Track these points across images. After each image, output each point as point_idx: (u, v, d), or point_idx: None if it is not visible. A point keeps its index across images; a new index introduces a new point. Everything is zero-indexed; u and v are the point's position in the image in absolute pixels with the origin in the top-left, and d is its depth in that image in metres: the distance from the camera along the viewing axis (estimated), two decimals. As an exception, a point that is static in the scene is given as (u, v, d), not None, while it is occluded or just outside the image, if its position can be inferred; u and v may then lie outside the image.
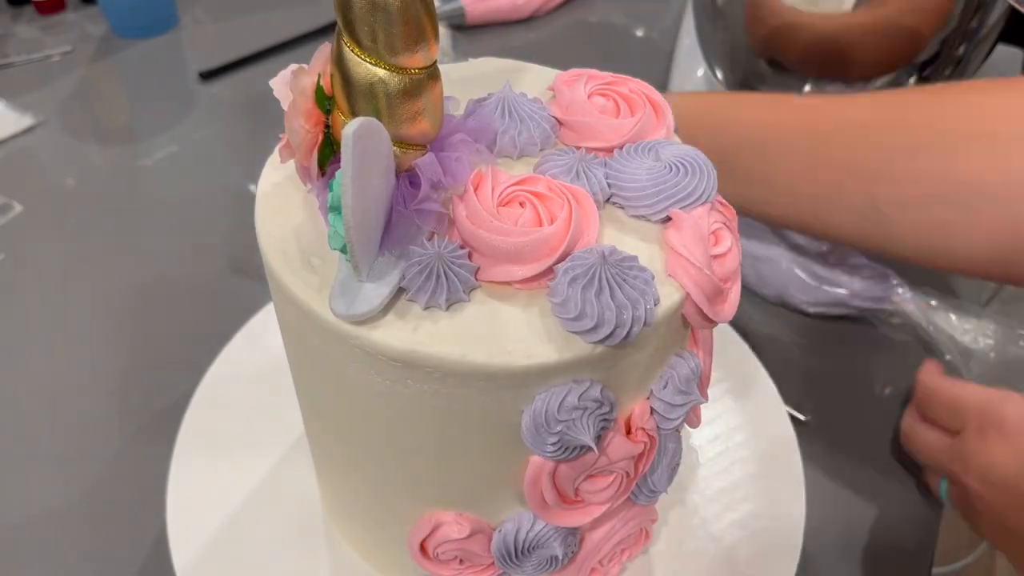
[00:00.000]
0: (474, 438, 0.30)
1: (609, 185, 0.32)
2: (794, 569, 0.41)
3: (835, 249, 0.57)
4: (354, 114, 0.28)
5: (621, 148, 0.33)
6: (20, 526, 0.45)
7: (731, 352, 0.51)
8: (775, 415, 0.49)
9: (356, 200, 0.25)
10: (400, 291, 0.29)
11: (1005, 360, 0.53)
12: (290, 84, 0.29)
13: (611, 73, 0.36)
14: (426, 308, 0.28)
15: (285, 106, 0.29)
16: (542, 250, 0.28)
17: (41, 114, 0.74)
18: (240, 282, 0.59)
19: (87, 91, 0.78)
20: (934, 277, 0.58)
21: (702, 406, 0.36)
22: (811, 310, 0.56)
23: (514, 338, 0.28)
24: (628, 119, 0.33)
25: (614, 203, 0.32)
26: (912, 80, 0.54)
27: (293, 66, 0.29)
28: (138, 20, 0.84)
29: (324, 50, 0.29)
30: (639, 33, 0.88)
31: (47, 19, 0.87)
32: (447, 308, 0.28)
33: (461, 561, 0.36)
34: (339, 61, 0.27)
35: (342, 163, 0.25)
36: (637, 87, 0.35)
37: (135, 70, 0.81)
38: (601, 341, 0.27)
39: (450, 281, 0.28)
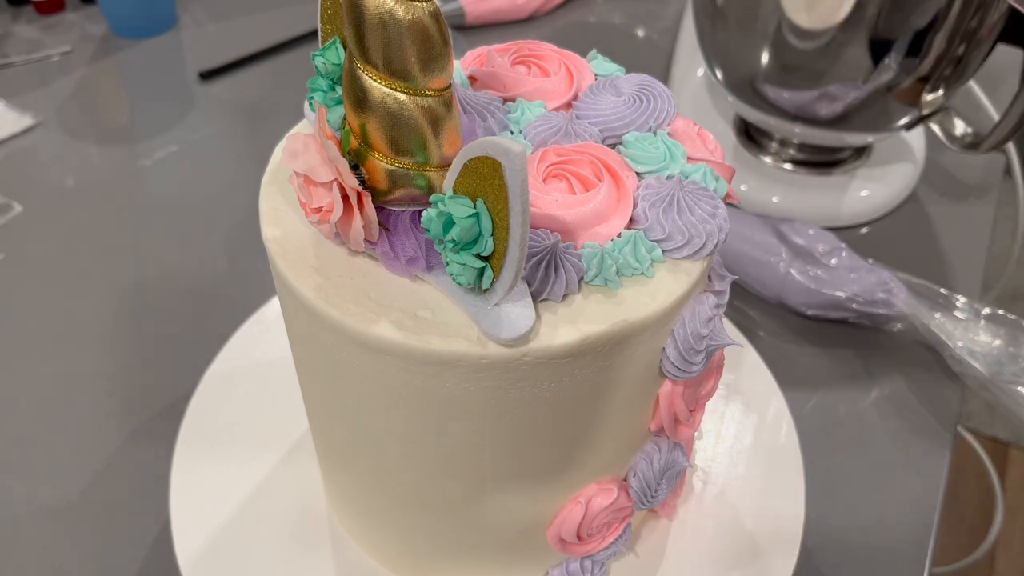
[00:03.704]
0: (623, 395, 0.32)
1: (600, 131, 0.34)
2: (792, 568, 0.41)
3: (834, 251, 0.57)
4: (398, 150, 0.27)
5: (576, 99, 0.35)
6: (20, 525, 0.46)
7: (733, 352, 0.51)
8: (776, 415, 0.49)
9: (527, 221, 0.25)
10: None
11: (1005, 360, 0.53)
12: (311, 152, 0.28)
13: (509, 43, 0.37)
14: (542, 301, 0.29)
15: (315, 177, 0.28)
16: (611, 205, 0.30)
17: (41, 114, 0.74)
18: (240, 281, 0.59)
19: (87, 91, 0.78)
20: (933, 278, 0.59)
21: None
22: (809, 312, 0.56)
23: (637, 289, 0.30)
24: (560, 75, 0.35)
25: (610, 144, 0.34)
26: (910, 79, 0.54)
27: (292, 136, 0.29)
28: (138, 20, 0.84)
29: (321, 109, 0.29)
30: (639, 33, 0.88)
31: (47, 19, 0.87)
32: (562, 300, 0.29)
33: (609, 524, 0.37)
34: (381, 103, 0.27)
35: (513, 183, 0.24)
36: (537, 46, 0.37)
37: (135, 70, 0.81)
38: (709, 254, 0.31)
39: (566, 266, 0.29)
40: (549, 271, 0.28)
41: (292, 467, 0.45)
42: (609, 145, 0.33)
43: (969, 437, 0.90)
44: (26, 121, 0.73)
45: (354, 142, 0.28)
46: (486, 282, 0.27)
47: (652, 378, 0.32)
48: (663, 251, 0.30)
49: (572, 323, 0.28)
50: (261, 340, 0.51)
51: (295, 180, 0.30)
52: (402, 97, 0.27)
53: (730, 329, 0.52)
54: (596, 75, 0.37)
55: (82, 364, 0.54)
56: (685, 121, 0.35)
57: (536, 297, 0.28)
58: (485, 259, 0.27)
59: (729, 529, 0.44)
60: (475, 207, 0.26)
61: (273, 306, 0.53)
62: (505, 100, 0.35)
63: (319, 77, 0.30)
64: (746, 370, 0.51)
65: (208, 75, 0.79)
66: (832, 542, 0.46)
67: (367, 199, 0.28)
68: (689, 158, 0.33)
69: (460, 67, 0.37)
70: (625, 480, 0.37)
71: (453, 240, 0.26)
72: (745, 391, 0.50)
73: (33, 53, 0.82)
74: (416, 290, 0.30)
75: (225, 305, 0.56)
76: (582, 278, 0.29)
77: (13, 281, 0.60)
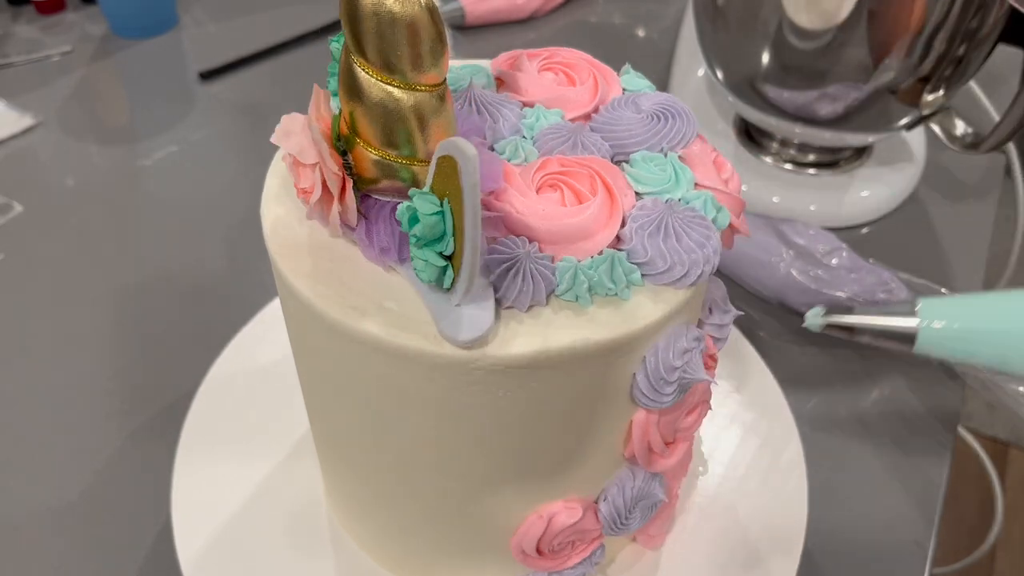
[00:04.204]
0: (585, 418, 0.31)
1: (611, 147, 0.33)
2: (795, 569, 0.41)
3: (834, 251, 0.57)
4: (384, 142, 0.28)
5: (596, 111, 0.35)
6: (20, 526, 0.45)
7: (733, 352, 0.51)
8: (776, 415, 0.49)
9: (478, 223, 0.25)
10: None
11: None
12: (303, 134, 0.29)
13: (542, 49, 0.37)
14: (508, 308, 0.29)
15: (302, 158, 0.29)
16: (600, 220, 0.30)
17: (41, 114, 0.74)
18: (240, 281, 0.59)
19: (87, 91, 0.78)
20: (934, 278, 0.58)
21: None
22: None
23: (612, 309, 0.29)
24: (586, 85, 0.35)
25: (617, 160, 0.33)
26: (911, 80, 0.54)
27: (289, 116, 0.29)
28: (138, 20, 0.84)
29: (319, 92, 0.29)
30: (639, 33, 0.88)
31: (47, 19, 0.87)
32: (528, 308, 0.29)
33: (573, 544, 0.37)
34: (372, 95, 0.27)
35: (466, 185, 0.24)
36: (570, 55, 0.36)
37: (135, 70, 0.81)
38: (692, 284, 0.30)
39: (537, 276, 0.28)
40: (516, 279, 0.28)
41: (294, 467, 0.45)
42: (617, 162, 0.33)
43: (969, 437, 0.90)
44: (26, 121, 0.73)
45: (343, 127, 0.28)
46: (447, 281, 0.27)
47: (623, 403, 0.32)
48: (643, 275, 0.30)
49: (532, 334, 0.28)
50: (264, 340, 0.51)
51: (287, 159, 0.30)
52: (392, 90, 0.27)
53: (732, 329, 0.52)
54: (624, 90, 0.36)
55: (82, 364, 0.54)
56: (704, 146, 0.34)
57: (501, 303, 0.28)
58: (448, 258, 0.27)
59: (729, 530, 0.44)
60: (441, 205, 0.26)
61: (275, 306, 0.53)
62: (524, 104, 0.34)
63: (336, 62, 0.30)
64: (746, 370, 0.51)
65: (208, 75, 0.79)
66: (832, 542, 0.46)
67: (348, 185, 0.28)
68: (697, 184, 0.32)
69: (489, 67, 0.37)
70: (596, 503, 0.36)
71: (416, 236, 0.26)
72: (745, 391, 0.50)
73: (33, 53, 0.82)
74: (390, 282, 0.30)
75: (225, 305, 0.56)
76: (553, 291, 0.29)
77: (13, 281, 0.60)
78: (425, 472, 0.34)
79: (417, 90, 0.27)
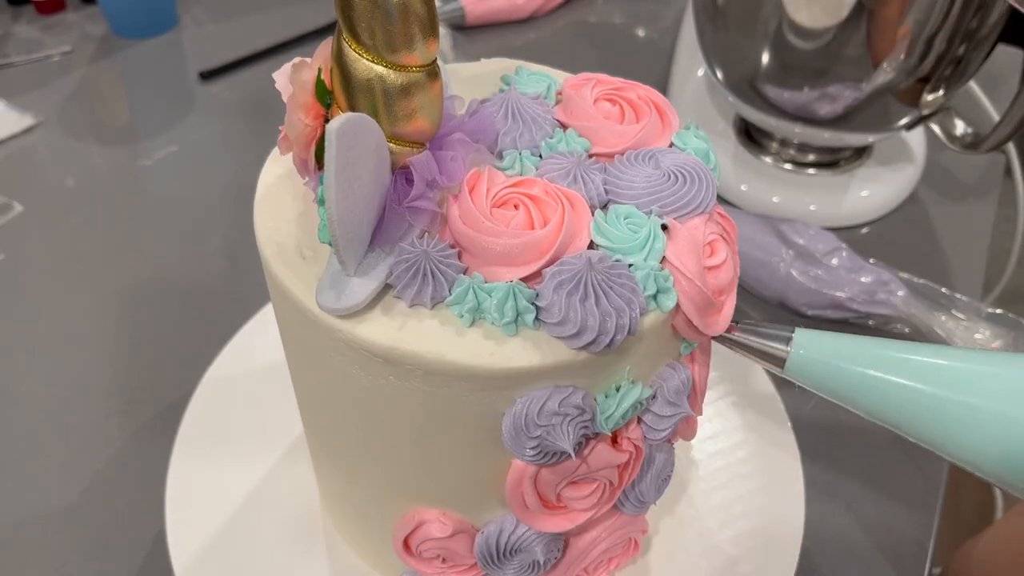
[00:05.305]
0: (456, 438, 0.30)
1: (607, 191, 0.31)
2: (794, 569, 0.41)
3: (834, 251, 0.57)
4: (352, 110, 0.28)
5: (623, 154, 0.33)
6: (20, 526, 0.46)
7: (733, 353, 0.51)
8: (776, 415, 0.49)
9: (340, 195, 0.25)
10: (388, 287, 0.29)
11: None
12: (290, 77, 0.29)
13: (621, 79, 0.36)
14: (411, 306, 0.28)
15: (286, 98, 0.29)
16: (531, 253, 0.28)
17: (41, 114, 0.74)
18: (240, 282, 0.59)
19: (87, 91, 0.78)
20: (934, 278, 0.58)
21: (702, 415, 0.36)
22: (810, 313, 0.56)
23: (497, 340, 0.28)
24: (632, 125, 0.33)
25: (604, 205, 0.32)
26: (911, 80, 0.54)
27: (296, 59, 0.29)
28: (138, 20, 0.84)
29: (326, 45, 0.29)
30: (639, 33, 0.88)
31: (47, 19, 0.87)
32: (432, 307, 0.28)
33: (444, 560, 0.36)
34: (339, 57, 0.27)
35: (326, 158, 0.25)
36: (645, 93, 0.35)
37: (135, 70, 0.81)
38: (584, 347, 0.27)
39: (436, 280, 0.28)
40: (408, 273, 0.28)
41: (289, 469, 0.45)
42: (602, 206, 0.31)
43: (969, 437, 0.90)
44: (26, 121, 0.73)
45: (327, 83, 0.29)
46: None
47: (494, 440, 0.30)
48: (547, 323, 0.28)
49: (402, 329, 0.28)
50: (261, 342, 0.51)
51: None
52: (356, 57, 0.27)
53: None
54: (672, 144, 0.34)
55: (82, 364, 0.54)
56: (710, 224, 0.31)
57: (407, 300, 0.28)
58: None
59: (729, 530, 0.44)
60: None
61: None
62: (562, 126, 0.34)
63: None
64: (745, 370, 0.51)
65: (208, 75, 0.79)
66: (832, 542, 0.46)
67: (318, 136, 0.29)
68: (664, 259, 0.29)
69: (562, 81, 0.36)
70: (478, 531, 0.34)
71: (319, 195, 0.27)
72: (744, 391, 0.50)
73: (33, 53, 0.82)
74: None
75: (225, 305, 0.56)
76: (442, 300, 0.28)
77: (13, 281, 0.60)
78: (392, 474, 0.34)
79: (389, 66, 0.27)
